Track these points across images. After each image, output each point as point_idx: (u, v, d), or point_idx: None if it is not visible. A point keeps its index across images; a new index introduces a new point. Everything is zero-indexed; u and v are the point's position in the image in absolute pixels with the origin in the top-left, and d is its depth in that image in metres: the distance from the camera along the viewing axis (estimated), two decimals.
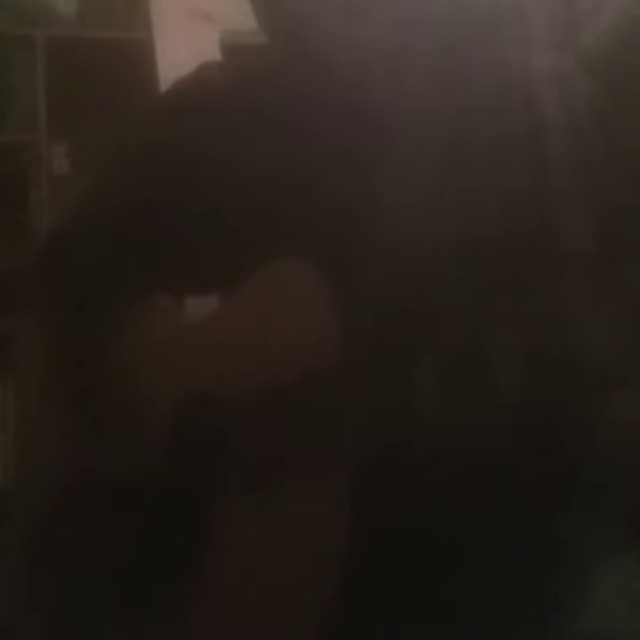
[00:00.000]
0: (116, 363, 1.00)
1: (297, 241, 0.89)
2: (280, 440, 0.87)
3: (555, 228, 0.85)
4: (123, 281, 1.02)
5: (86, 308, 1.02)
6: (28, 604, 0.95)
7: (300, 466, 0.86)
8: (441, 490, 0.82)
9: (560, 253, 0.85)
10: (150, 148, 1.02)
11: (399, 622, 0.85)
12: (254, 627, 0.86)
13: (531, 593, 0.86)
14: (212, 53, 2.93)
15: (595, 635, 0.87)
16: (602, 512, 0.85)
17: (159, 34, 3.08)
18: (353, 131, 0.89)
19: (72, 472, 0.95)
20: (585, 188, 0.85)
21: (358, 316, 0.85)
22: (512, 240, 0.85)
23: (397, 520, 0.84)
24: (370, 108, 0.90)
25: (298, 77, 0.94)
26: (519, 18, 0.89)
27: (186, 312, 1.06)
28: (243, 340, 0.92)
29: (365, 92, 0.90)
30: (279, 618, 0.85)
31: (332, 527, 0.83)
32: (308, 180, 0.91)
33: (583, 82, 0.87)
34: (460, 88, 0.88)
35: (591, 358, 0.84)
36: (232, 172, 0.96)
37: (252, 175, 0.95)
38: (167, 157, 1.00)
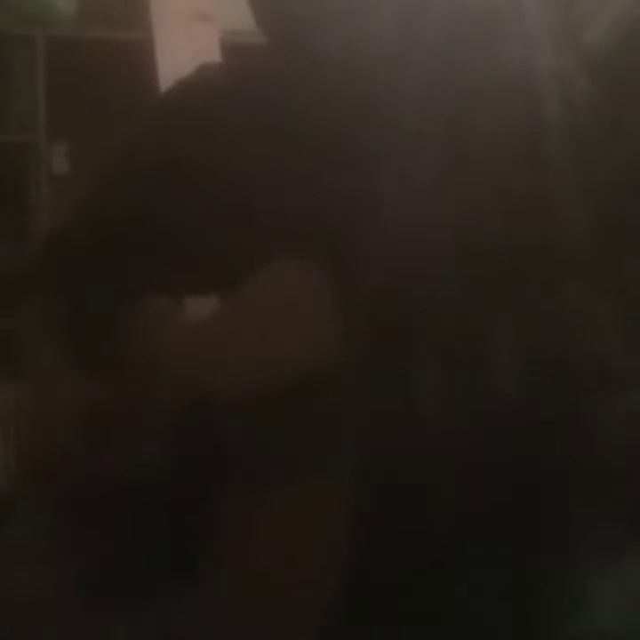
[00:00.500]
0: (116, 363, 1.00)
1: (297, 241, 0.89)
2: (280, 440, 0.86)
3: (555, 228, 0.85)
4: (122, 281, 1.02)
5: (85, 308, 1.02)
6: (30, 602, 0.95)
7: (301, 466, 0.86)
8: (441, 490, 0.82)
9: (560, 253, 0.85)
10: (150, 149, 1.02)
11: (399, 622, 0.85)
12: (254, 626, 0.86)
13: (530, 593, 0.86)
14: (212, 53, 2.93)
15: (594, 634, 0.87)
16: (601, 512, 0.85)
17: (159, 34, 3.08)
18: (353, 130, 0.89)
19: (73, 472, 0.95)
20: (585, 187, 0.85)
21: (358, 315, 0.85)
22: (512, 240, 0.85)
23: (397, 520, 0.84)
24: (370, 108, 0.90)
25: (297, 77, 0.94)
26: (520, 18, 0.89)
27: (186, 312, 1.06)
28: (243, 340, 0.92)
29: (365, 91, 0.90)
30: (279, 618, 0.85)
31: (333, 527, 0.83)
32: (309, 179, 0.91)
33: (584, 81, 0.87)
34: (460, 88, 0.88)
35: (591, 358, 0.84)
36: (232, 171, 0.96)
37: (251, 175, 0.94)
38: (167, 157, 1.00)
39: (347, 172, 0.89)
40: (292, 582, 0.84)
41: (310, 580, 0.84)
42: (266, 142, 0.94)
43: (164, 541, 0.92)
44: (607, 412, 0.83)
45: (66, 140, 3.17)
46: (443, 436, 0.82)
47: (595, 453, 0.84)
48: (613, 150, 0.87)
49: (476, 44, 0.89)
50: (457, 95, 0.88)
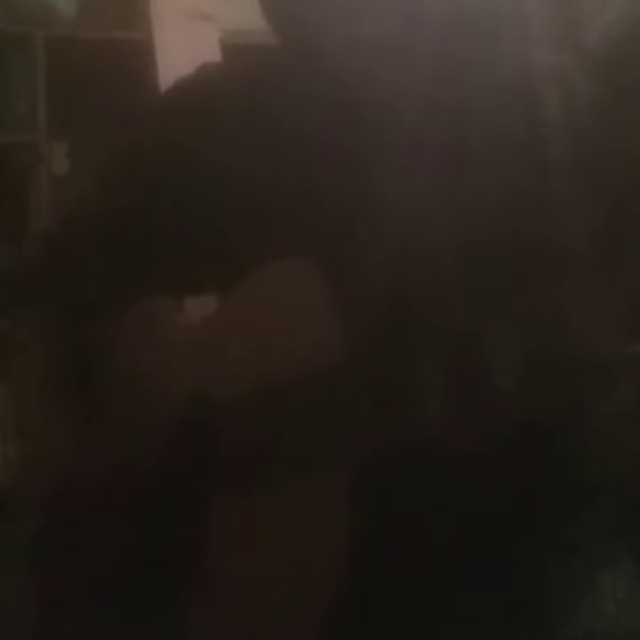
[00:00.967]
0: (114, 363, 1.00)
1: (297, 241, 0.89)
2: (278, 441, 0.86)
3: (554, 228, 0.85)
4: (121, 281, 1.01)
5: (84, 308, 1.02)
6: (30, 602, 0.95)
7: (300, 466, 0.86)
8: (441, 490, 0.82)
9: (560, 253, 0.85)
10: (150, 148, 1.02)
11: (399, 622, 0.85)
12: (254, 626, 0.86)
13: (530, 593, 0.86)
14: (212, 53, 2.93)
15: (594, 634, 0.87)
16: (602, 512, 0.85)
17: (159, 34, 3.08)
18: (353, 131, 0.89)
19: (71, 471, 0.95)
20: (585, 187, 0.85)
21: (356, 316, 0.85)
22: (512, 240, 0.85)
23: (397, 520, 0.84)
24: (370, 108, 0.90)
25: (298, 78, 0.94)
26: (520, 18, 0.89)
27: (184, 312, 1.06)
28: (241, 340, 0.92)
29: (366, 91, 0.90)
30: (278, 618, 0.85)
31: (332, 527, 0.83)
32: (309, 180, 0.91)
33: (584, 81, 0.87)
34: (461, 88, 0.88)
35: (591, 358, 0.84)
36: (232, 171, 0.96)
37: (251, 175, 0.94)
38: (167, 157, 1.00)
39: (347, 173, 0.89)
40: (292, 582, 0.84)
41: (310, 580, 0.84)
42: (266, 142, 0.94)
43: (163, 541, 0.92)
44: (605, 411, 0.83)
45: (66, 139, 3.16)
46: (442, 437, 0.82)
47: (593, 452, 0.84)
48: (613, 150, 0.87)
49: (478, 44, 0.89)
50: (457, 95, 0.88)
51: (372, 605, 0.85)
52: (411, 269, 0.85)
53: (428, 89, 0.87)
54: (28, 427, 1.04)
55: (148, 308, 1.02)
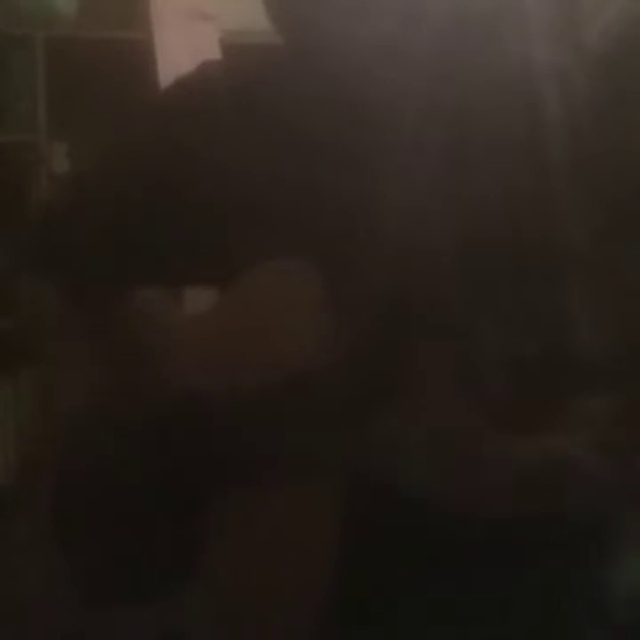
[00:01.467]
0: (108, 362, 0.99)
1: (295, 240, 0.89)
2: (273, 439, 0.86)
3: (554, 227, 0.85)
4: (116, 275, 1.01)
5: (83, 284, 1.02)
6: (28, 600, 0.95)
7: (295, 465, 0.86)
8: (437, 488, 0.82)
9: (560, 252, 0.85)
10: (149, 146, 1.02)
11: (396, 622, 0.85)
12: (250, 626, 0.86)
13: (529, 593, 0.86)
14: (212, 53, 2.93)
15: (594, 635, 0.87)
16: (601, 512, 0.85)
17: (159, 34, 3.08)
18: (354, 130, 0.89)
19: (68, 470, 0.94)
20: (585, 186, 0.85)
21: (356, 316, 0.85)
22: (512, 239, 0.85)
23: (393, 519, 0.84)
24: (370, 108, 0.90)
25: (299, 77, 0.94)
26: (520, 17, 0.89)
27: (179, 310, 1.06)
28: (236, 338, 0.91)
29: (366, 91, 0.90)
30: (275, 618, 0.85)
31: (328, 526, 0.83)
32: (308, 179, 0.91)
33: (584, 81, 0.87)
34: (461, 88, 0.88)
35: (591, 357, 0.84)
36: (230, 169, 0.96)
37: (250, 173, 0.94)
38: (166, 155, 1.00)
39: (347, 172, 0.89)
40: (287, 582, 0.84)
41: (305, 579, 0.84)
42: (266, 141, 0.93)
43: (157, 541, 0.92)
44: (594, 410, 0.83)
45: (66, 140, 3.16)
46: (440, 434, 0.82)
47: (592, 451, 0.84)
48: (613, 150, 0.87)
49: (478, 43, 0.89)
50: (457, 95, 0.88)
51: (368, 605, 0.85)
52: (410, 269, 0.85)
53: (428, 89, 0.87)
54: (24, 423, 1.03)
55: (141, 307, 1.02)
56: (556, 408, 0.83)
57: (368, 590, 0.85)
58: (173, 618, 0.91)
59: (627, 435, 0.83)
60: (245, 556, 0.88)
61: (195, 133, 0.98)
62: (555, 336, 0.84)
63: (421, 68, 0.88)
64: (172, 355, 0.96)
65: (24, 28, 3.09)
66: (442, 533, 0.83)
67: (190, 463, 0.91)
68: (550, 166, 0.85)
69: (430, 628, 0.84)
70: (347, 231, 0.88)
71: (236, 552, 0.89)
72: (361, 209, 0.88)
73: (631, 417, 0.84)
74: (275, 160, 0.93)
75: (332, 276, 0.86)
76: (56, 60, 3.02)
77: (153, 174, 1.00)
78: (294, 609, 0.84)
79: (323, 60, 0.92)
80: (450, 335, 0.84)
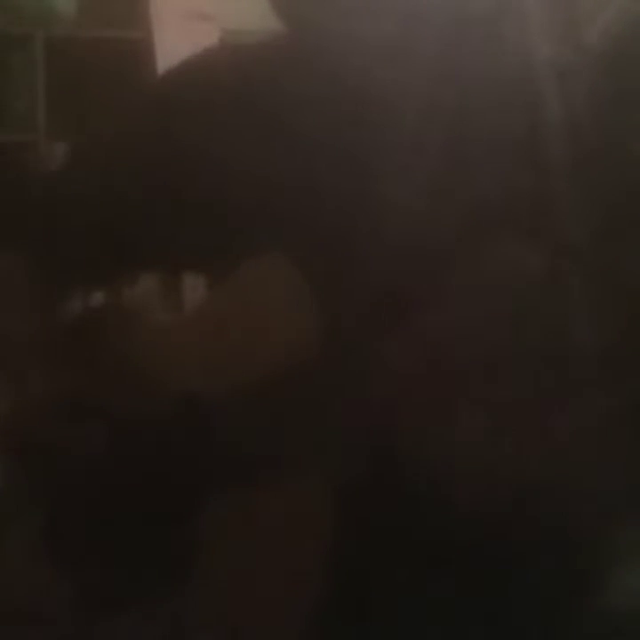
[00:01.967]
0: (100, 363, 0.99)
1: (292, 238, 0.89)
2: (267, 437, 0.86)
3: (554, 226, 0.85)
4: (111, 265, 1.01)
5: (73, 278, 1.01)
6: (26, 601, 0.95)
7: (288, 463, 0.86)
8: (431, 487, 0.82)
9: (559, 252, 0.85)
10: (147, 140, 1.02)
11: (395, 621, 0.85)
12: (246, 626, 0.86)
13: (527, 593, 0.86)
14: None
15: (594, 635, 0.87)
16: (601, 512, 0.85)
17: (159, 34, 3.08)
18: (353, 129, 0.89)
19: (66, 471, 0.94)
20: (585, 185, 0.85)
21: (343, 312, 0.85)
22: (511, 238, 0.85)
23: (387, 518, 0.84)
24: (370, 107, 0.90)
25: (299, 75, 0.94)
26: (521, 16, 0.89)
27: (171, 309, 1.05)
28: (226, 336, 0.91)
29: (366, 90, 0.90)
30: (271, 617, 0.85)
31: (323, 525, 0.83)
32: (307, 177, 0.91)
33: (584, 79, 0.87)
34: (461, 86, 0.88)
35: (589, 358, 0.84)
36: (229, 166, 0.95)
37: (248, 171, 0.94)
38: (163, 150, 0.99)
39: (346, 171, 0.89)
40: (286, 582, 0.84)
41: (304, 579, 0.84)
42: (265, 139, 0.93)
43: (153, 542, 0.92)
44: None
45: (66, 139, 3.17)
46: (431, 433, 0.82)
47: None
48: (613, 149, 0.87)
49: (479, 42, 0.89)
50: (458, 94, 0.88)
51: (365, 604, 0.85)
52: (409, 268, 0.85)
53: (429, 88, 0.87)
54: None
55: (130, 306, 1.02)
56: (556, 408, 0.83)
57: (367, 590, 0.85)
58: (173, 618, 0.91)
59: (627, 435, 0.83)
60: (244, 556, 0.88)
61: (193, 130, 0.98)
62: (554, 336, 0.84)
63: (422, 68, 0.88)
64: (163, 354, 0.96)
65: (24, 27, 3.09)
66: (442, 533, 0.83)
67: (183, 463, 0.91)
68: (550, 166, 0.85)
69: (430, 628, 0.84)
70: (345, 229, 0.88)
71: (236, 552, 0.89)
72: (360, 207, 0.88)
73: (631, 417, 0.84)
74: (273, 157, 0.92)
75: (332, 274, 0.86)
76: (56, 60, 3.03)
77: (150, 169, 1.00)
78: (293, 609, 0.84)
79: (324, 58, 0.92)
80: (449, 334, 0.84)
